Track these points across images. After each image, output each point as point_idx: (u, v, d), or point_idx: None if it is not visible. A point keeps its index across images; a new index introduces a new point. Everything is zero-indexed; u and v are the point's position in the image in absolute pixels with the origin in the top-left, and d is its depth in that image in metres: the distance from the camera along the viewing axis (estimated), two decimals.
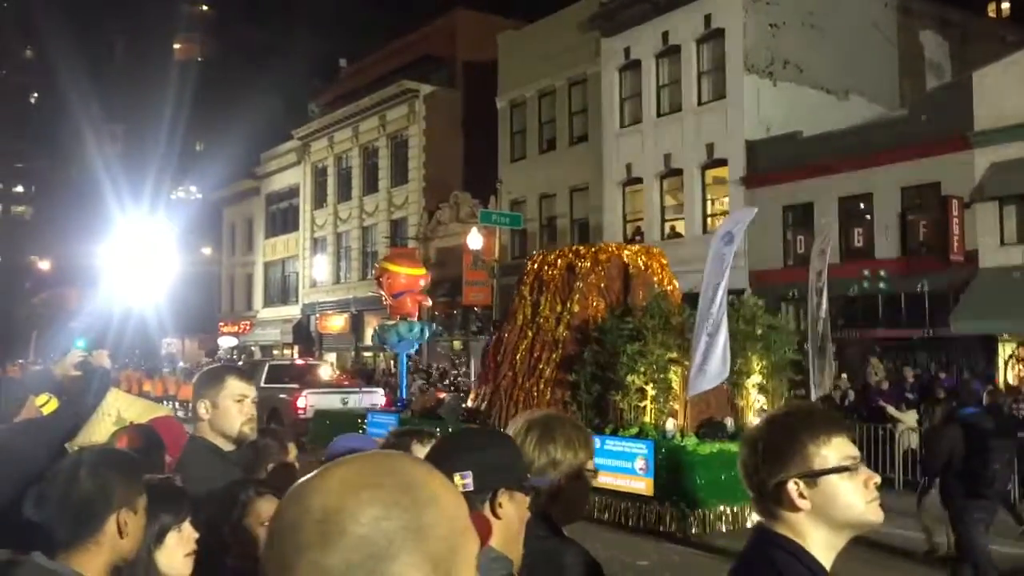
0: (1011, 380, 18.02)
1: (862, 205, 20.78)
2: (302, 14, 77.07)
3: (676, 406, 12.13)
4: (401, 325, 17.44)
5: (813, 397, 13.56)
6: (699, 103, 24.57)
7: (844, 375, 17.81)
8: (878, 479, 1.72)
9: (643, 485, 11.01)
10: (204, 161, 58.07)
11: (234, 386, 3.15)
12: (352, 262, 38.35)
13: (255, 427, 3.22)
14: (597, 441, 8.81)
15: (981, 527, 7.62)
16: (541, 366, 13.49)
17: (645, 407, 12.05)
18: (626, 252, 14.26)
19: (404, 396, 18.32)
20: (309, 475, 0.94)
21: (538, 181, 29.25)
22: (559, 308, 13.71)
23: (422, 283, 18.32)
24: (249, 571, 2.37)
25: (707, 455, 10.84)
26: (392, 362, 23.36)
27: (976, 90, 18.76)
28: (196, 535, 2.32)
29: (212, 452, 3.09)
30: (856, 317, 20.15)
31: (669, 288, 13.68)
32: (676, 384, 12.11)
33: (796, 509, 1.67)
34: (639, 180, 26.14)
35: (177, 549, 2.28)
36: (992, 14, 38.15)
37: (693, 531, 10.54)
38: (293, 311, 41.78)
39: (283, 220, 43.96)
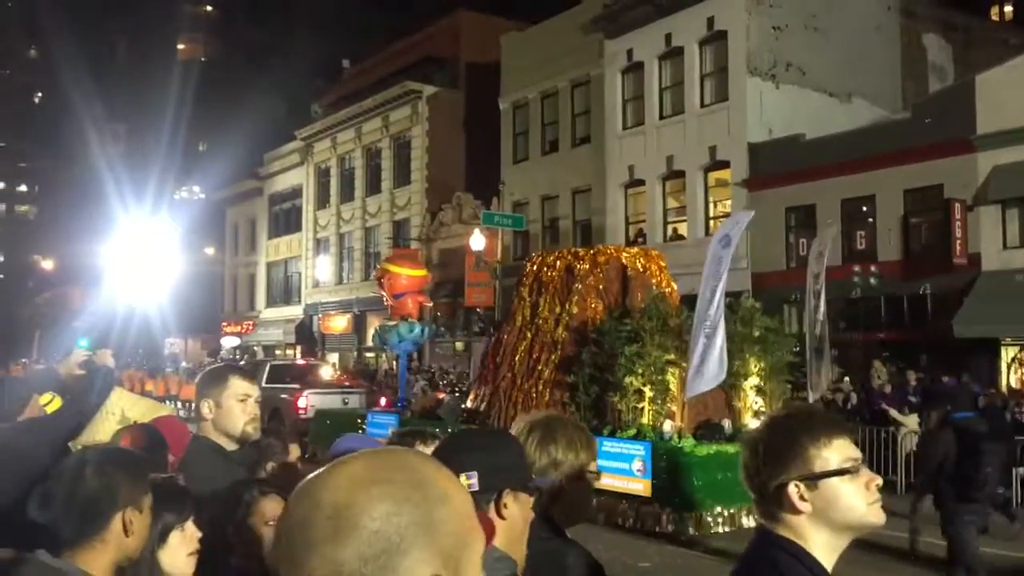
0: (1014, 384, 18.01)
1: (864, 208, 20.77)
2: (305, 15, 77.19)
3: (674, 407, 12.15)
4: (402, 326, 17.46)
5: (811, 399, 13.57)
6: (702, 105, 24.57)
7: (847, 378, 17.79)
8: (879, 481, 1.72)
9: (641, 486, 11.03)
10: (207, 161, 58.09)
11: (237, 386, 3.15)
12: (355, 263, 38.37)
13: (258, 427, 3.22)
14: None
15: (972, 530, 7.66)
16: (540, 367, 13.51)
17: (643, 408, 12.07)
18: (625, 254, 14.30)
19: (403, 396, 18.33)
20: (317, 472, 0.94)
21: (540, 183, 29.25)
22: (558, 310, 13.74)
23: (423, 285, 18.35)
24: (253, 571, 2.38)
25: (704, 456, 10.86)
26: (394, 363, 23.36)
27: (979, 93, 18.75)
28: (199, 534, 2.32)
29: (215, 452, 3.09)
30: (858, 320, 20.13)
31: (667, 290, 13.71)
32: (674, 386, 12.14)
33: (797, 511, 1.67)
34: (641, 182, 26.14)
35: (180, 548, 2.29)
36: (995, 17, 38.15)
37: (691, 532, 10.55)
38: (296, 311, 41.81)
39: (286, 220, 44.00)
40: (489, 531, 1.09)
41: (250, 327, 44.67)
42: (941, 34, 27.23)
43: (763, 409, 12.49)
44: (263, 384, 18.76)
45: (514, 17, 33.77)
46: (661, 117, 25.63)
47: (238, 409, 3.12)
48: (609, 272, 13.78)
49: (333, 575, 0.86)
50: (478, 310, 29.90)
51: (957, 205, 18.63)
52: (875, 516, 1.68)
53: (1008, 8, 39.98)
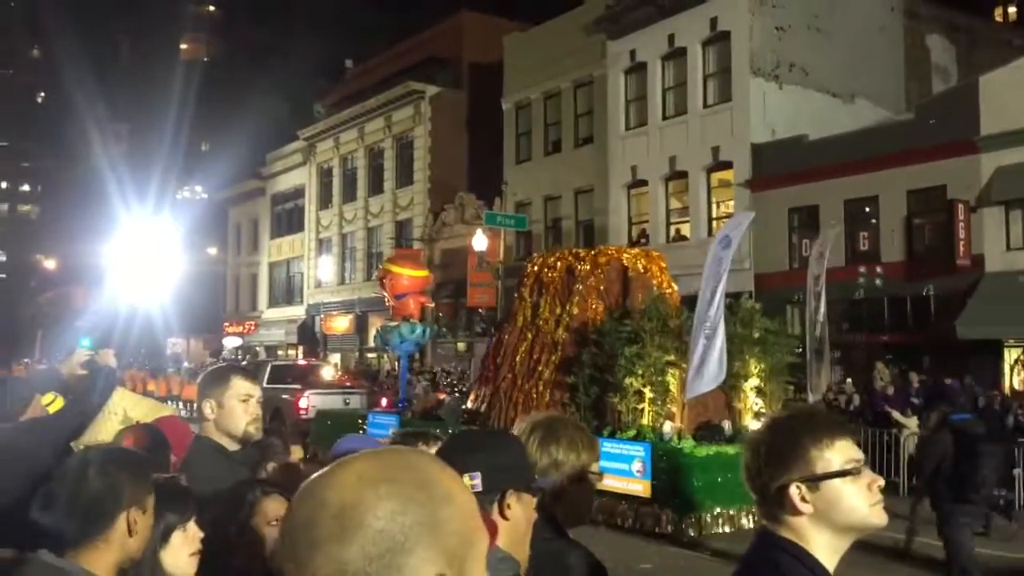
0: (1016, 385, 17.98)
1: (868, 209, 20.75)
2: (308, 15, 77.23)
3: (674, 408, 12.17)
4: (403, 326, 17.46)
5: (810, 400, 13.57)
6: (705, 106, 24.56)
7: (849, 379, 17.78)
8: (882, 482, 1.71)
9: (640, 487, 11.04)
10: (209, 161, 58.16)
11: (239, 386, 3.16)
12: (357, 263, 38.38)
13: (260, 427, 3.23)
14: None
15: (967, 531, 7.68)
16: (540, 368, 13.52)
17: (643, 409, 12.09)
18: (625, 255, 14.31)
19: (404, 397, 18.33)
20: (322, 471, 0.94)
21: (543, 183, 29.24)
22: (558, 310, 13.75)
23: (425, 285, 18.36)
24: (256, 571, 2.37)
25: (704, 457, 10.88)
26: (396, 363, 23.39)
27: (982, 94, 18.74)
28: (201, 534, 2.33)
29: (217, 452, 3.10)
30: (861, 321, 20.11)
31: (668, 291, 13.72)
32: (674, 387, 12.16)
33: (798, 512, 1.66)
34: (644, 183, 26.13)
35: (182, 548, 2.29)
36: (999, 18, 38.13)
37: (690, 533, 10.56)
38: (298, 311, 41.83)
39: (288, 221, 44.03)
40: (491, 532, 1.09)
41: (252, 327, 44.71)
42: (945, 35, 27.20)
43: (763, 410, 12.50)
44: (264, 384, 18.79)
45: (517, 17, 33.77)
46: (664, 118, 25.62)
47: (240, 409, 3.12)
48: (610, 273, 13.79)
49: (338, 574, 0.86)
50: (480, 311, 29.92)
51: (960, 206, 18.61)
52: (877, 517, 1.68)
53: (1012, 9, 39.96)
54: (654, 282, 13.73)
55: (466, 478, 1.64)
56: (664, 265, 14.39)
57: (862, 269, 19.27)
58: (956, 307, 18.16)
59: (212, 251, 51.06)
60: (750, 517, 10.53)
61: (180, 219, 44.86)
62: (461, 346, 31.93)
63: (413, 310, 17.88)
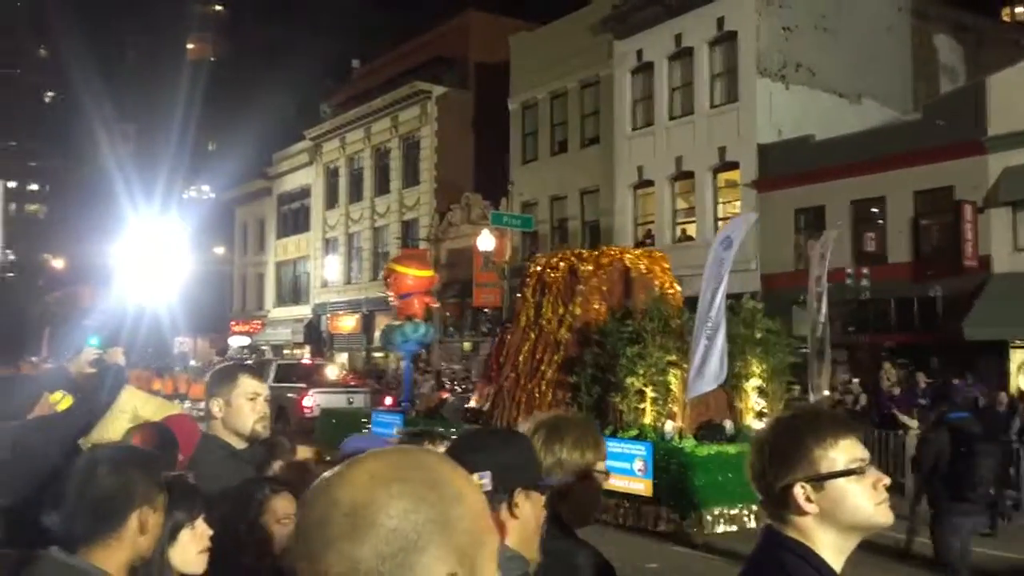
0: (1023, 386, 17.91)
1: (874, 210, 20.70)
2: (314, 15, 77.35)
3: (675, 408, 12.18)
4: (407, 326, 17.49)
5: (811, 400, 13.56)
6: (711, 106, 24.53)
7: (856, 380, 17.73)
8: (887, 480, 1.71)
9: (642, 486, 11.06)
10: (216, 161, 58.31)
11: (247, 384, 3.17)
12: (363, 263, 38.42)
13: (268, 425, 3.24)
14: None
15: (960, 530, 7.65)
16: (543, 368, 13.54)
17: (644, 409, 12.10)
18: (628, 256, 14.32)
19: (408, 396, 18.35)
20: (333, 470, 0.95)
21: (549, 183, 29.23)
22: (561, 310, 13.76)
23: (430, 285, 18.38)
24: (265, 569, 2.39)
25: (705, 457, 10.89)
26: (402, 363, 23.43)
27: (990, 95, 18.68)
28: (210, 532, 2.34)
29: (225, 450, 3.11)
30: (868, 322, 20.06)
31: (671, 292, 13.73)
32: (675, 386, 12.18)
33: (803, 512, 1.66)
34: (650, 183, 26.10)
35: (190, 546, 2.30)
36: (1007, 19, 38.02)
37: (691, 532, 10.56)
38: (304, 311, 41.89)
39: (295, 220, 44.09)
40: (499, 531, 1.10)
41: (259, 327, 44.79)
42: (952, 35, 27.12)
43: (765, 410, 12.51)
44: (270, 383, 18.84)
45: (523, 17, 33.78)
46: (670, 118, 25.59)
47: (247, 408, 3.14)
48: (612, 273, 13.80)
49: (350, 572, 0.87)
50: (486, 310, 29.91)
51: (968, 207, 18.55)
52: (883, 516, 1.68)
53: (1020, 9, 39.83)
54: (656, 282, 13.74)
55: (475, 477, 1.64)
56: (667, 265, 14.39)
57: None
58: (963, 308, 18.10)
59: (219, 251, 51.16)
60: (752, 516, 10.55)
61: (187, 219, 44.92)
62: (467, 346, 31.94)
63: (417, 310, 17.90)
